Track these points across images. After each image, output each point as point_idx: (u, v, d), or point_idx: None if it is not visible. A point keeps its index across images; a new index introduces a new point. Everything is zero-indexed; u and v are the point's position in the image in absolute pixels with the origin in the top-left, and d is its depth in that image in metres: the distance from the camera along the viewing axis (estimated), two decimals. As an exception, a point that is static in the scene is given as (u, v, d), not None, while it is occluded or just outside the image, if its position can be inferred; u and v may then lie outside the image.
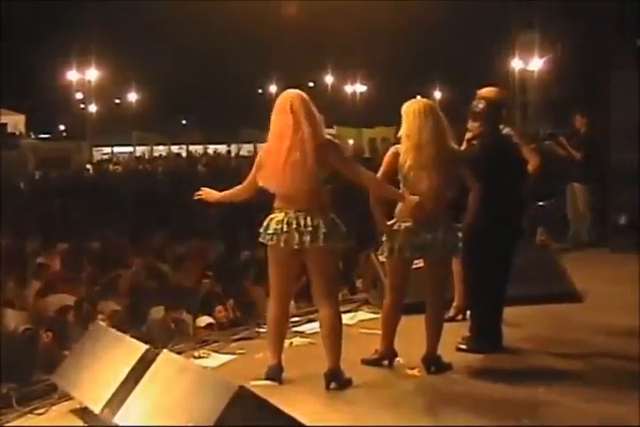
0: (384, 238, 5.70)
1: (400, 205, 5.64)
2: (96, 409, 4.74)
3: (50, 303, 9.19)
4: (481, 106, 6.28)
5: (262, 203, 5.58)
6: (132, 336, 5.48)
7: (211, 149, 46.97)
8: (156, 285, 10.35)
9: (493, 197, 5.80)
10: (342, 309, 6.42)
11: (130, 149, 45.95)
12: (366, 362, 5.86)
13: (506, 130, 6.58)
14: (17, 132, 44.20)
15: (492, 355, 6.10)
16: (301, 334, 6.67)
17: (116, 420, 4.55)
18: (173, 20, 47.69)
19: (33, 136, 50.44)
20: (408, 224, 5.60)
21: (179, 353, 5.74)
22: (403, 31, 43.57)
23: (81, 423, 4.96)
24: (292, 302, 7.44)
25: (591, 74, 20.76)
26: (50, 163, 32.63)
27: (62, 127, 61.45)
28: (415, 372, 5.71)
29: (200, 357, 6.16)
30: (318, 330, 5.66)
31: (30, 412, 5.13)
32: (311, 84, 50.92)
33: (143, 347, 4.88)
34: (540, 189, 11.32)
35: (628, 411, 4.90)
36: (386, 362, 5.83)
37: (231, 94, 52.80)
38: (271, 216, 5.41)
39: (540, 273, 7.71)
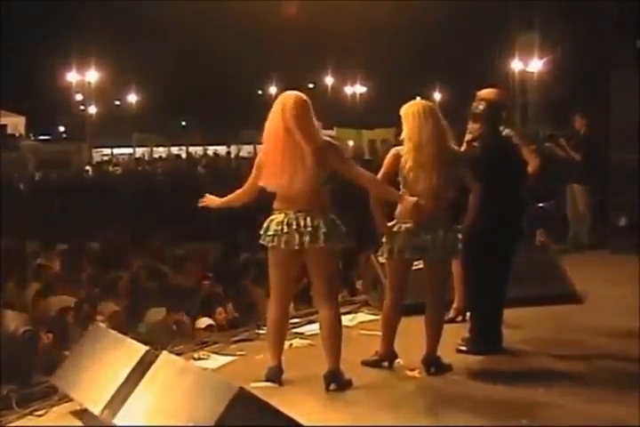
0: (384, 240, 5.70)
1: (400, 206, 5.64)
2: (96, 411, 4.73)
3: (50, 304, 9.19)
4: (481, 107, 6.28)
5: (262, 204, 5.58)
6: (132, 338, 5.47)
7: (210, 150, 46.96)
8: (156, 286, 10.35)
9: (493, 197, 5.81)
10: (342, 310, 6.41)
11: (130, 150, 45.96)
12: (366, 363, 5.86)
13: (506, 131, 6.59)
14: (17, 134, 44.22)
15: (491, 356, 6.10)
16: (301, 335, 6.67)
17: (116, 421, 4.54)
18: (173, 21, 47.70)
19: (33, 137, 50.44)
20: (408, 225, 5.60)
21: (178, 355, 5.74)
22: (402, 32, 43.57)
23: (81, 425, 4.96)
24: (292, 304, 7.44)
25: (591, 74, 20.76)
26: (50, 164, 32.66)
27: (62, 129, 61.46)
28: (415, 373, 5.71)
29: (200, 358, 6.16)
30: (318, 331, 5.66)
31: (30, 413, 5.13)
32: (311, 86, 50.92)
33: (143, 348, 4.88)
34: (539, 190, 11.32)
35: (628, 412, 4.91)
36: (386, 363, 5.83)
37: (231, 95, 52.80)
38: (271, 218, 5.41)
39: (540, 274, 7.70)
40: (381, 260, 5.89)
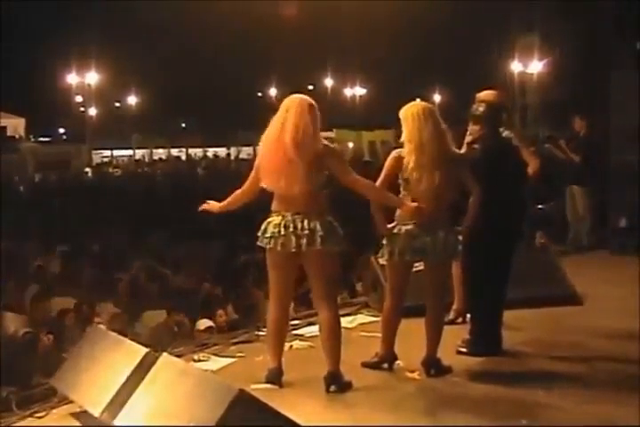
0: (384, 242, 5.70)
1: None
2: (96, 412, 4.73)
3: (50, 306, 9.20)
4: (481, 109, 6.28)
5: (262, 205, 5.57)
6: (131, 339, 5.47)
7: (210, 151, 47.02)
8: (156, 287, 10.37)
9: (494, 199, 5.80)
10: (342, 312, 6.42)
11: (129, 152, 46.01)
12: (366, 365, 5.85)
13: (505, 133, 6.58)
14: (17, 136, 44.28)
15: (491, 358, 6.10)
16: (301, 337, 6.66)
17: (116, 423, 4.54)
18: (173, 23, 47.75)
19: (33, 139, 50.52)
20: (408, 227, 5.60)
21: (178, 356, 5.73)
22: (402, 34, 43.61)
23: (81, 426, 4.96)
24: (292, 306, 7.44)
25: (591, 75, 20.76)
26: (49, 166, 32.70)
27: (62, 130, 61.51)
28: (415, 375, 5.71)
29: (200, 360, 6.16)
30: (318, 333, 5.66)
31: (30, 415, 5.14)
32: (310, 87, 50.93)
33: (143, 350, 4.87)
34: (539, 191, 11.32)
35: (628, 413, 4.90)
36: (386, 365, 5.82)
37: (231, 97, 52.83)
38: (269, 220, 5.41)
39: (540, 276, 7.69)
40: (381, 262, 5.88)
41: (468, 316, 6.57)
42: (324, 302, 5.39)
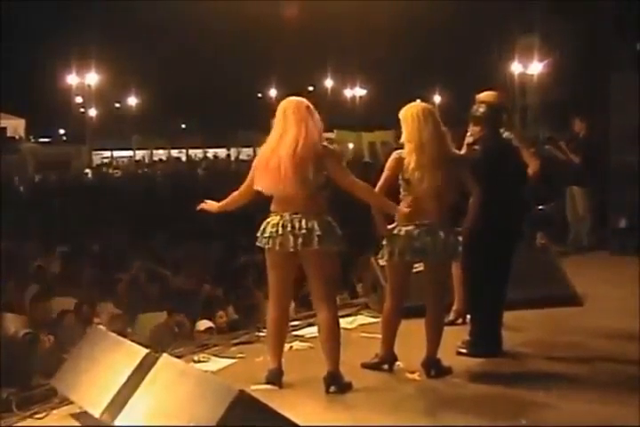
0: (384, 242, 5.70)
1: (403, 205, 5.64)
2: (96, 413, 4.73)
3: (50, 307, 9.19)
4: (482, 110, 6.28)
5: (262, 206, 5.58)
6: (132, 340, 5.47)
7: (210, 152, 47.03)
8: (156, 288, 10.36)
9: (494, 199, 5.81)
10: (342, 313, 6.43)
11: (130, 153, 46.03)
12: (366, 366, 5.85)
13: (506, 134, 6.58)
14: (17, 137, 44.30)
15: (492, 359, 6.09)
16: (301, 337, 6.66)
17: (116, 424, 4.54)
18: (173, 23, 47.76)
19: (33, 140, 50.55)
20: (408, 228, 5.60)
21: (178, 357, 5.73)
22: (402, 34, 43.64)
23: (81, 427, 4.97)
24: (293, 306, 7.44)
25: (591, 76, 20.77)
26: (49, 166, 32.74)
27: (62, 131, 61.54)
28: (415, 376, 5.71)
29: (200, 361, 6.15)
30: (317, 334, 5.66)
31: (30, 416, 5.13)
32: (310, 88, 50.99)
33: (143, 351, 4.87)
34: (539, 192, 11.32)
35: (628, 413, 4.90)
36: (386, 366, 5.82)
37: (231, 98, 52.87)
38: (268, 220, 5.42)
39: (540, 276, 7.69)
40: (382, 262, 5.89)
41: (469, 316, 6.57)
42: (322, 302, 5.39)
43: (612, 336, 6.62)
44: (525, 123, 36.67)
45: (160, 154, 45.73)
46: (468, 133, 6.43)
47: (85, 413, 4.94)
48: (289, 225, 5.30)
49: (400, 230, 5.63)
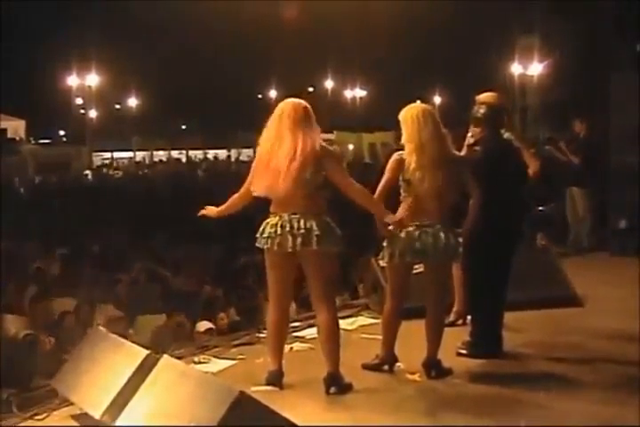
0: (385, 243, 5.70)
1: (401, 209, 5.63)
2: (96, 414, 4.73)
3: (50, 308, 9.19)
4: (482, 111, 6.28)
5: (262, 207, 5.58)
6: (132, 341, 5.47)
7: (210, 153, 47.05)
8: (157, 289, 10.35)
9: (494, 200, 5.81)
10: (343, 314, 6.43)
11: (130, 154, 46.04)
12: (367, 367, 5.85)
13: (506, 134, 6.59)
14: (17, 138, 44.29)
15: (492, 360, 6.09)
16: (301, 339, 6.66)
17: (117, 425, 4.54)
18: (173, 23, 47.75)
19: (33, 141, 50.54)
20: (409, 229, 5.60)
21: (179, 358, 5.73)
22: (402, 35, 43.63)
23: (81, 428, 4.97)
24: (294, 307, 7.45)
25: (591, 76, 20.77)
26: (50, 168, 32.75)
27: (62, 132, 61.53)
28: (416, 377, 5.71)
29: (200, 362, 6.15)
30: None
31: (31, 417, 5.12)
32: (311, 89, 51.02)
33: (143, 352, 4.87)
34: (539, 193, 11.32)
35: (628, 414, 4.91)
36: (386, 367, 5.82)
37: (231, 99, 52.86)
38: (267, 220, 5.42)
39: (541, 277, 7.69)
40: (382, 263, 5.88)
41: (469, 317, 6.57)
42: (322, 303, 5.39)
43: (613, 337, 6.63)
44: (525, 123, 36.64)
45: (160, 155, 45.77)
46: (469, 134, 6.44)
47: (86, 414, 4.93)
48: (287, 225, 5.30)
49: (400, 231, 5.62)
